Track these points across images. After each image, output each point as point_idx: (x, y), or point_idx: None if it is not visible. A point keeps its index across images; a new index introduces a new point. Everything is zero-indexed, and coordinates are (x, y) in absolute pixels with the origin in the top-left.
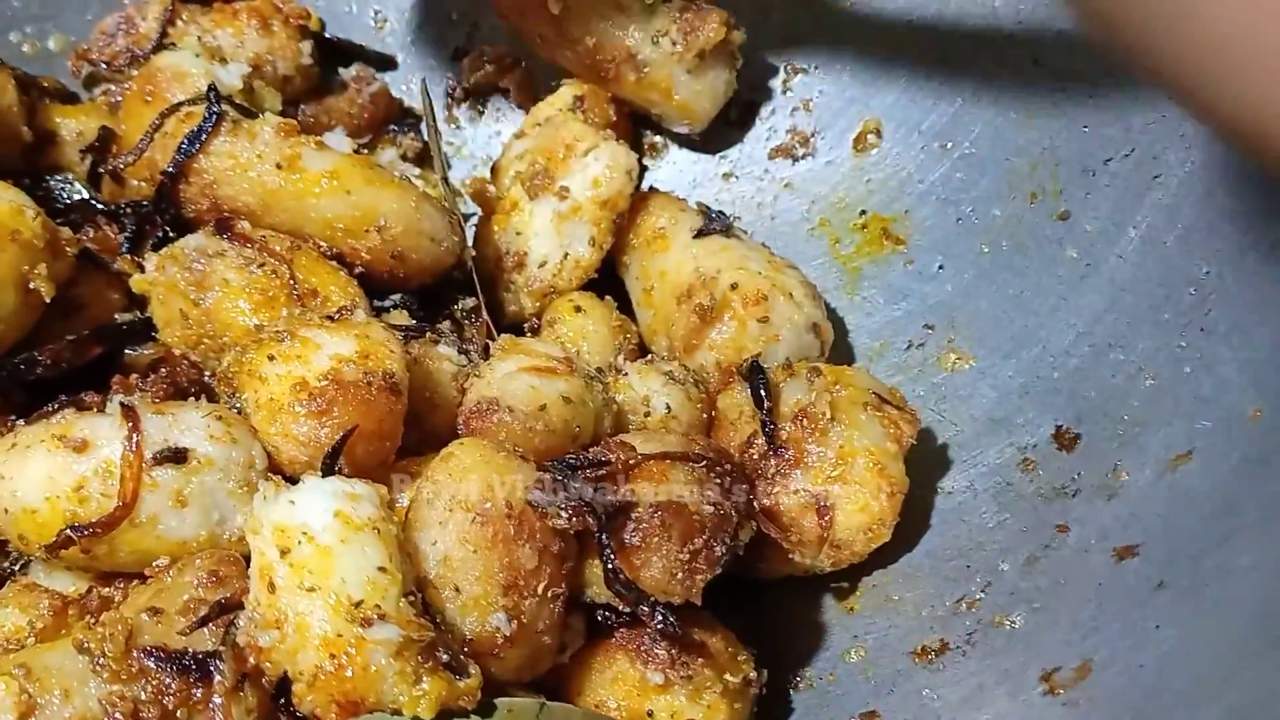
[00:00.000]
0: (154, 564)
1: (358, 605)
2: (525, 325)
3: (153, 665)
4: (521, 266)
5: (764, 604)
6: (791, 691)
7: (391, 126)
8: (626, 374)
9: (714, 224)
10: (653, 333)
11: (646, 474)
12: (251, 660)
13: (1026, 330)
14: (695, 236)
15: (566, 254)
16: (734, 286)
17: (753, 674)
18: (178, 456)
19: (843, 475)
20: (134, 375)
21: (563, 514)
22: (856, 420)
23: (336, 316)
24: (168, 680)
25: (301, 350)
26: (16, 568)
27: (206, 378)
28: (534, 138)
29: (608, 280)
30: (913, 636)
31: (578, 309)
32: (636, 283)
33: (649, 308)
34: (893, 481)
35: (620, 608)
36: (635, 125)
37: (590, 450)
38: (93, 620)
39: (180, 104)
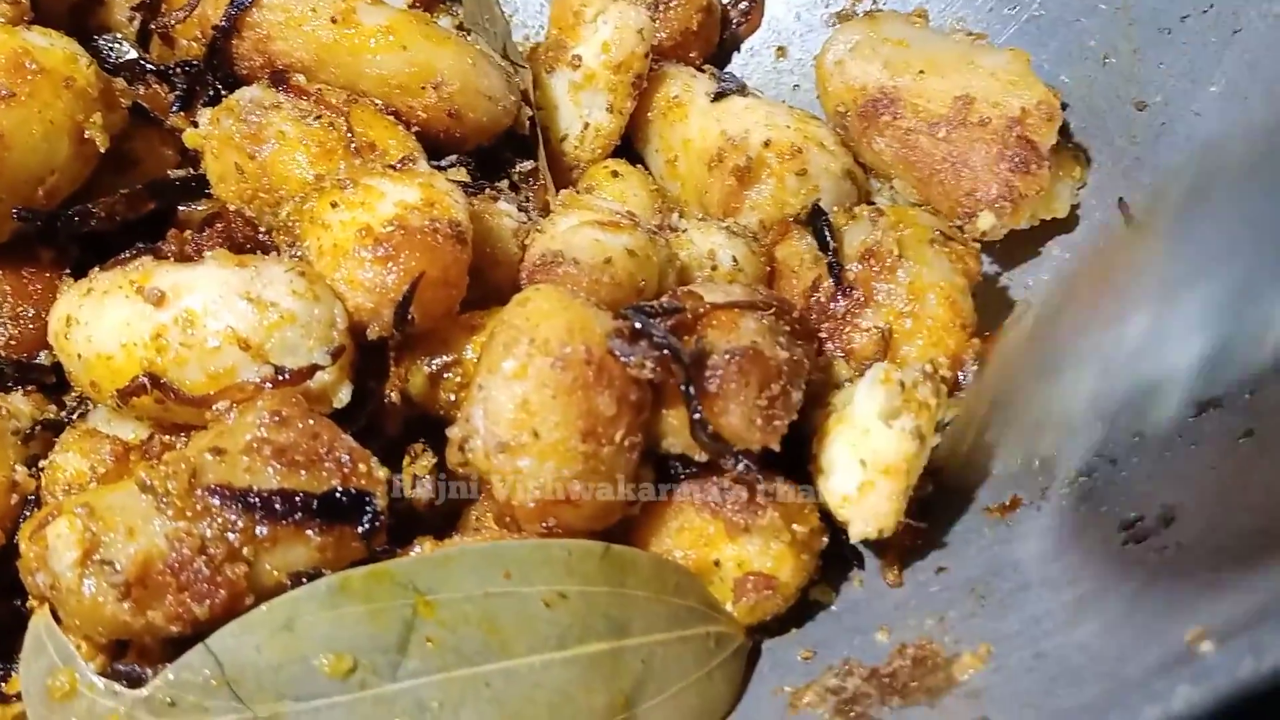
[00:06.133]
0: (214, 408)
1: None
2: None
3: (217, 503)
4: (545, 144)
5: None
6: (860, 547)
7: None
8: (685, 230)
9: (729, 84)
10: (683, 204)
11: (717, 323)
12: None
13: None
14: (713, 100)
15: (587, 124)
16: (767, 144)
17: (819, 525)
18: None
19: (914, 311)
20: (188, 231)
21: (647, 364)
22: (924, 256)
23: (399, 166)
24: (233, 518)
25: (365, 197)
26: (75, 416)
27: (261, 234)
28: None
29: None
30: (983, 494)
31: (614, 174)
32: (658, 155)
33: (675, 179)
34: (964, 316)
35: (696, 458)
36: None
37: (659, 300)
38: (155, 462)
39: None
